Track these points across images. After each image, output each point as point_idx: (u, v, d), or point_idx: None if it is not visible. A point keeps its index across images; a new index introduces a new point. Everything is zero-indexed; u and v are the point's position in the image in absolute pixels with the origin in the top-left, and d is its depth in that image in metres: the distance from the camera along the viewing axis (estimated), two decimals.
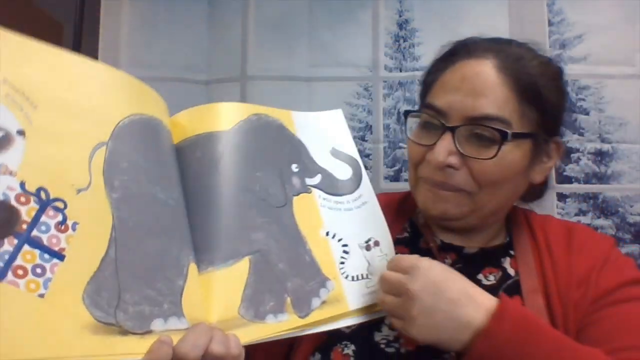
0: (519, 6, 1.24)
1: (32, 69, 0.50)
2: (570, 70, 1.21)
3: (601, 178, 1.19)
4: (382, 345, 0.66)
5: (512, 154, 0.66)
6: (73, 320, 0.46)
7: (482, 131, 0.65)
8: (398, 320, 0.59)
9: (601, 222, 1.18)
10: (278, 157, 0.66)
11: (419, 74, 1.27)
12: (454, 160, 0.65)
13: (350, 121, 1.25)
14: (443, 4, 1.26)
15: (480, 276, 0.71)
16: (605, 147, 1.19)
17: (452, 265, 0.73)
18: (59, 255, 0.47)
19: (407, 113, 0.74)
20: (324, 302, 0.61)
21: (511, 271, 0.71)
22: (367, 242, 0.67)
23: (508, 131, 0.65)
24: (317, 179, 0.67)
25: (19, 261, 0.45)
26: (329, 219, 0.66)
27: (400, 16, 1.28)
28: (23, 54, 0.49)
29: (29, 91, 0.48)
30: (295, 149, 0.68)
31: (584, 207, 1.18)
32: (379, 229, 0.69)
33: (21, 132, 0.47)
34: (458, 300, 0.56)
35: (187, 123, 0.64)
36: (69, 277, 0.47)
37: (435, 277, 0.57)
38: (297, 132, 0.69)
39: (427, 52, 1.24)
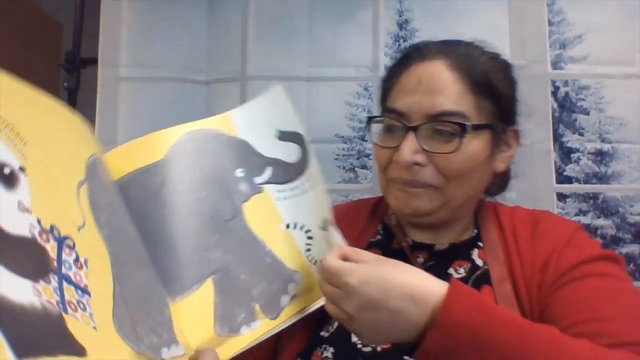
0: (519, 6, 1.24)
1: (16, 104, 0.47)
2: (570, 70, 1.21)
3: (601, 178, 1.19)
4: (359, 346, 0.67)
5: (473, 145, 0.70)
6: (124, 351, 0.47)
7: (442, 127, 0.69)
8: (338, 311, 0.57)
9: (601, 222, 1.18)
10: (219, 168, 0.65)
11: None
12: (419, 157, 0.69)
13: (350, 121, 1.25)
14: (443, 4, 1.26)
15: (451, 270, 0.73)
16: (605, 147, 1.19)
17: (425, 263, 0.75)
18: (87, 292, 0.46)
19: (370, 119, 0.78)
20: (294, 296, 0.63)
21: (479, 262, 0.73)
22: (323, 222, 0.69)
23: (467, 124, 0.69)
24: (267, 174, 0.68)
25: (66, 297, 0.44)
26: (288, 210, 0.67)
27: (400, 16, 1.28)
28: (7, 89, 0.47)
29: (17, 126, 0.46)
30: (238, 152, 0.67)
31: (584, 207, 1.18)
32: (328, 205, 0.71)
33: (22, 169, 0.45)
34: (401, 308, 0.54)
35: (120, 161, 0.62)
36: (100, 311, 0.46)
37: (371, 295, 0.54)
38: (239, 132, 0.69)
39: None
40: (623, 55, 1.20)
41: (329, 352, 0.67)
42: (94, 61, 1.30)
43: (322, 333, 0.70)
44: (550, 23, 1.23)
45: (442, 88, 0.70)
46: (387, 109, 0.75)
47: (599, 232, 1.17)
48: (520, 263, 0.70)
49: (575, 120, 1.20)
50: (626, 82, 1.19)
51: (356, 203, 0.92)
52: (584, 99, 1.20)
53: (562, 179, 1.19)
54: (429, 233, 0.77)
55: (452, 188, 0.71)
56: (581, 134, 1.20)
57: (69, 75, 1.36)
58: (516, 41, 1.22)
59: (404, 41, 1.27)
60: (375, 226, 0.82)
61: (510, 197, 1.18)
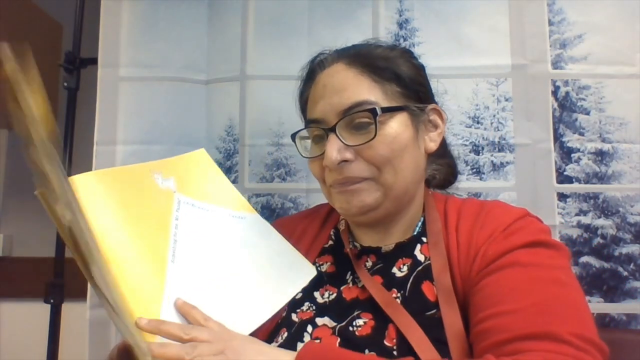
0: (519, 6, 1.23)
1: None
2: (571, 70, 1.21)
3: (601, 178, 1.19)
4: None
5: (392, 128, 0.72)
6: None
7: (357, 119, 0.72)
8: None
9: (601, 221, 1.18)
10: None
11: None
12: (346, 154, 0.71)
13: None
14: (443, 4, 1.26)
15: (395, 269, 0.74)
16: (606, 147, 1.19)
17: (373, 265, 0.77)
18: None
19: (293, 136, 0.81)
20: None
21: (421, 257, 0.74)
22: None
23: (376, 107, 0.71)
24: None
25: None
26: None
27: (400, 16, 1.28)
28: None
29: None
30: None
31: (584, 207, 1.18)
32: None
33: None
34: None
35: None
36: None
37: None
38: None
39: (427, 52, 1.24)
40: (623, 55, 1.20)
41: None
42: (94, 61, 1.30)
43: (273, 343, 0.71)
44: (550, 23, 1.22)
45: (346, 85, 0.73)
46: (307, 122, 0.78)
47: (599, 232, 1.17)
48: (457, 254, 0.70)
49: (576, 120, 1.20)
50: (626, 82, 1.19)
51: (313, 209, 0.95)
52: (584, 99, 1.20)
53: (562, 178, 1.19)
54: (378, 233, 0.79)
55: (387, 176, 0.72)
56: (581, 134, 1.20)
57: (69, 75, 1.36)
58: (516, 41, 1.22)
59: (404, 41, 1.27)
60: (327, 232, 0.85)
61: (511, 197, 1.18)
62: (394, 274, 0.74)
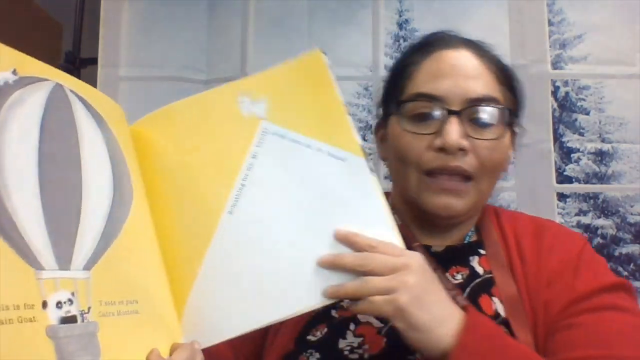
0: (519, 6, 1.24)
1: None
2: (570, 70, 1.21)
3: (601, 178, 1.19)
4: (346, 352, 0.64)
5: (505, 137, 0.69)
6: None
7: (481, 114, 0.66)
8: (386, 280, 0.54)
9: (601, 222, 1.18)
10: None
11: None
12: (465, 143, 0.65)
13: None
14: (443, 4, 1.26)
15: (448, 276, 0.69)
16: (606, 147, 1.19)
17: None
18: None
19: (400, 103, 0.69)
20: None
21: (479, 269, 0.69)
22: None
23: (507, 109, 0.68)
24: None
25: None
26: None
27: (400, 16, 1.28)
28: None
29: None
30: None
31: (584, 207, 1.18)
32: None
33: None
34: (444, 299, 0.56)
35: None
36: None
37: (427, 278, 0.56)
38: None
39: None
40: (623, 55, 1.20)
41: (314, 357, 0.65)
42: (94, 61, 1.30)
43: (309, 337, 0.67)
44: (550, 23, 1.23)
45: (477, 74, 0.68)
46: (414, 95, 0.68)
47: (599, 232, 1.17)
48: (524, 277, 0.66)
49: (575, 120, 1.20)
50: (626, 82, 1.19)
51: None
52: (584, 99, 1.20)
53: (562, 178, 1.19)
54: (431, 232, 0.73)
55: (485, 183, 0.68)
56: (581, 134, 1.20)
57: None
58: (516, 41, 1.22)
59: (404, 41, 1.27)
60: None
61: (511, 197, 1.19)
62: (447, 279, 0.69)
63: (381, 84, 0.77)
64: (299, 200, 0.59)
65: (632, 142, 1.18)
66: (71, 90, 0.52)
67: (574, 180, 1.19)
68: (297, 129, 0.61)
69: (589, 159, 1.20)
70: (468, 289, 0.66)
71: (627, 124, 1.19)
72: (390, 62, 1.27)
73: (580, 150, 1.20)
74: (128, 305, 0.50)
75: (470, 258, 0.71)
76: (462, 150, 0.65)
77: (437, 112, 0.66)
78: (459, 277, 0.69)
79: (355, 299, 0.54)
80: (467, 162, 0.66)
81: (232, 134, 0.61)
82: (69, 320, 0.43)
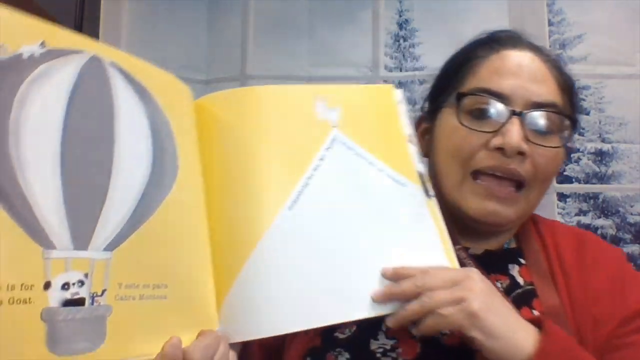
0: (519, 6, 1.24)
1: None
2: (570, 70, 1.21)
3: (601, 178, 1.19)
4: (379, 355, 0.61)
5: (561, 150, 0.65)
6: None
7: (544, 120, 0.62)
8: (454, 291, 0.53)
9: (601, 222, 1.18)
10: None
11: (419, 74, 1.28)
12: (525, 146, 0.61)
13: None
14: (443, 4, 1.26)
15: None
16: (606, 147, 1.19)
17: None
18: None
19: (460, 95, 0.65)
20: None
21: (520, 280, 0.65)
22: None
23: (572, 118, 0.65)
24: None
25: None
26: None
27: (400, 16, 1.28)
28: None
29: None
30: None
31: (584, 207, 1.18)
32: None
33: None
34: (513, 311, 0.55)
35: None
36: None
37: (492, 288, 0.55)
38: None
39: (427, 52, 1.24)
40: (623, 55, 1.20)
41: (343, 357, 0.61)
42: None
43: (337, 334, 0.63)
44: (550, 23, 1.23)
45: (543, 79, 0.64)
46: (476, 90, 0.64)
47: (599, 232, 1.17)
48: (567, 291, 0.63)
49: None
50: (626, 82, 1.19)
51: None
52: (584, 99, 1.20)
53: (562, 178, 1.19)
54: (470, 234, 0.68)
55: (535, 192, 0.64)
56: (581, 134, 1.20)
57: None
58: None
59: (404, 41, 1.27)
60: None
61: None
62: None
63: (434, 75, 0.74)
64: (356, 212, 0.59)
65: (632, 142, 1.18)
66: (112, 63, 0.50)
67: (574, 180, 1.19)
68: (363, 145, 0.62)
69: (589, 159, 1.20)
70: (509, 300, 0.61)
71: (627, 124, 1.19)
72: (390, 62, 1.27)
73: (580, 150, 1.20)
74: (155, 289, 0.47)
75: (510, 266, 0.67)
76: (521, 154, 0.61)
77: (499, 111, 0.62)
78: (499, 286, 0.65)
79: (421, 317, 0.53)
80: (523, 167, 0.62)
81: (305, 132, 0.61)
82: (74, 302, 0.42)
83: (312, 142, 0.60)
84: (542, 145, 0.62)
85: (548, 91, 0.64)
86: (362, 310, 0.55)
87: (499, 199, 0.62)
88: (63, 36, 0.46)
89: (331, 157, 0.61)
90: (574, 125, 0.67)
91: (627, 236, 1.17)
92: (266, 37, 1.31)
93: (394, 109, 0.67)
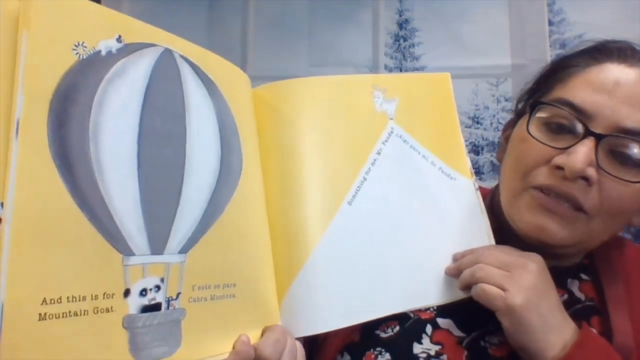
0: (519, 6, 1.24)
1: None
2: None
3: None
4: (422, 359, 0.58)
5: None
6: None
7: (630, 149, 0.54)
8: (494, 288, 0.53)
9: None
10: None
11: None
12: (591, 172, 0.54)
13: None
14: (443, 4, 1.26)
15: None
16: None
17: None
18: None
19: (536, 104, 0.60)
20: None
21: (580, 295, 0.62)
22: None
23: None
24: None
25: None
26: None
27: (400, 16, 1.28)
28: None
29: None
30: None
31: None
32: None
33: None
34: (558, 304, 0.54)
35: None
36: None
37: (542, 281, 0.54)
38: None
39: (427, 52, 1.24)
40: None
41: (384, 357, 0.59)
42: None
43: (378, 332, 0.60)
44: (550, 23, 1.22)
45: None
46: (560, 101, 0.58)
47: None
48: (631, 310, 0.59)
49: None
50: None
51: None
52: None
53: None
54: (528, 246, 0.62)
55: (599, 225, 0.56)
56: None
57: None
58: (516, 41, 1.22)
59: (404, 41, 1.27)
60: None
61: None
62: None
63: (530, 78, 0.69)
64: (411, 205, 0.60)
65: None
66: (181, 55, 0.49)
67: None
68: (417, 138, 0.63)
69: None
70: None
71: None
72: (390, 62, 1.27)
73: None
74: (225, 289, 0.47)
75: (570, 281, 0.63)
76: (584, 179, 0.54)
77: (576, 128, 0.56)
78: None
79: (470, 284, 0.55)
80: (586, 196, 0.55)
81: (364, 124, 0.60)
82: (151, 308, 0.41)
83: (370, 135, 0.60)
84: (615, 177, 0.54)
85: None
86: (419, 300, 0.58)
87: (553, 214, 0.56)
88: (137, 28, 0.45)
89: (388, 150, 0.61)
90: None
91: (627, 236, 1.16)
92: (266, 37, 1.31)
93: (450, 99, 0.66)
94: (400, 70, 1.27)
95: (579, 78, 0.59)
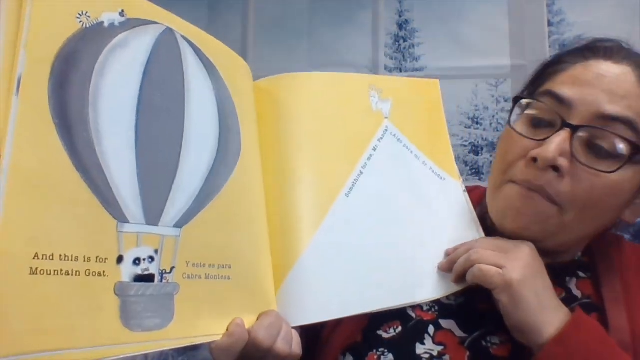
0: (519, 6, 1.24)
1: None
2: None
3: None
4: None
5: (628, 180, 0.56)
6: None
7: (604, 141, 0.54)
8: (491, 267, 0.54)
9: None
10: None
11: (419, 74, 1.29)
12: (563, 162, 0.54)
13: None
14: (443, 4, 1.26)
15: None
16: None
17: None
18: None
19: (517, 99, 0.61)
20: None
21: (577, 293, 0.62)
22: None
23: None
24: None
25: None
26: None
27: (400, 16, 1.28)
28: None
29: None
30: None
31: None
32: None
33: None
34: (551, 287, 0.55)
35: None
36: None
37: (537, 263, 0.56)
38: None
39: (427, 52, 1.24)
40: None
41: (387, 358, 0.58)
42: None
43: (380, 332, 0.60)
44: (550, 23, 1.23)
45: (626, 93, 0.55)
46: (543, 93, 0.59)
47: None
48: (626, 307, 0.59)
49: None
50: None
51: None
52: None
53: None
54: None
55: (574, 219, 0.57)
56: None
57: None
58: (515, 42, 1.22)
59: (404, 41, 1.27)
60: None
61: None
62: None
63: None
64: (404, 201, 0.62)
65: None
66: (183, 36, 0.49)
67: None
68: (410, 138, 0.65)
69: None
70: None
71: None
72: (390, 62, 1.27)
73: None
74: (220, 269, 0.47)
75: (568, 279, 0.63)
76: (555, 169, 0.54)
77: (551, 122, 0.57)
78: None
79: (466, 269, 0.56)
80: (556, 188, 0.55)
81: (360, 121, 0.62)
82: (144, 279, 0.41)
83: (367, 132, 0.62)
84: (588, 167, 0.54)
85: (625, 107, 0.54)
86: (412, 295, 0.58)
87: (527, 207, 0.57)
88: (140, 6, 0.45)
89: (383, 147, 0.63)
90: None
91: (627, 236, 1.17)
92: (266, 37, 1.31)
93: (439, 104, 0.69)
94: (400, 71, 1.27)
95: (565, 74, 0.59)
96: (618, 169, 0.54)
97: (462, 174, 1.15)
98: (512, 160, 0.59)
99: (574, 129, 0.54)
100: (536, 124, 0.58)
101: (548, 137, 0.55)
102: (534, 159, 0.55)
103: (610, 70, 0.57)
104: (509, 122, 0.61)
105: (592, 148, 0.55)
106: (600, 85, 0.56)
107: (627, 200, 0.59)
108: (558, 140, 0.54)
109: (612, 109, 0.54)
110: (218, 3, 1.34)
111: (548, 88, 0.59)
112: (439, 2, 1.26)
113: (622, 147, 0.54)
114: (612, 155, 0.54)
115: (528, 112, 0.60)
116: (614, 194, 0.56)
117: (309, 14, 1.30)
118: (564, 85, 0.58)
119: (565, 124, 0.55)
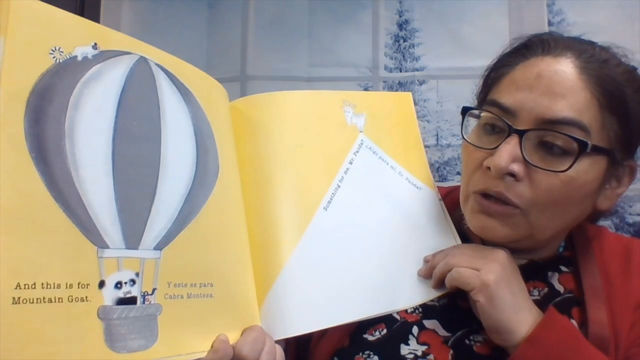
0: (519, 6, 1.24)
1: None
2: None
3: None
4: None
5: (585, 171, 0.56)
6: None
7: (554, 139, 0.56)
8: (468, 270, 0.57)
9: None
10: None
11: (419, 74, 1.29)
12: (517, 168, 0.55)
13: None
14: (443, 4, 1.26)
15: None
16: None
17: None
18: None
19: (465, 110, 0.63)
20: None
21: (560, 288, 0.63)
22: None
23: (587, 142, 0.55)
24: None
25: None
26: None
27: (400, 16, 1.28)
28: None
29: None
30: None
31: None
32: None
33: None
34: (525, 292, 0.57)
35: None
36: None
37: (509, 271, 0.58)
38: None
39: (427, 52, 1.24)
40: None
41: None
42: None
43: (366, 336, 0.61)
44: (550, 23, 1.23)
45: (566, 91, 0.56)
46: (489, 102, 0.60)
47: None
48: (608, 300, 0.60)
49: None
50: None
51: None
52: None
53: None
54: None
55: (542, 218, 0.58)
56: None
57: None
58: None
59: (404, 41, 1.27)
60: None
61: None
62: None
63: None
64: (382, 212, 0.64)
65: None
66: (157, 64, 0.50)
67: None
68: (385, 150, 0.67)
69: None
70: (543, 308, 0.58)
71: None
72: (390, 62, 1.27)
73: None
74: (202, 288, 0.48)
75: (550, 274, 0.64)
76: (511, 176, 0.56)
77: (501, 128, 0.58)
78: (535, 293, 0.63)
79: (445, 274, 0.58)
80: (514, 191, 0.56)
81: (335, 136, 0.64)
82: (127, 301, 0.42)
83: (342, 146, 0.64)
84: (542, 169, 0.55)
85: (568, 106, 0.55)
86: (392, 303, 0.60)
87: (491, 215, 0.59)
88: (113, 38, 0.47)
89: (359, 160, 0.64)
90: (627, 146, 0.59)
91: (627, 235, 1.17)
92: (266, 37, 1.31)
93: (412, 117, 0.72)
94: (400, 71, 1.27)
95: (507, 79, 0.61)
96: (571, 165, 0.55)
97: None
98: (471, 170, 0.61)
99: (521, 134, 0.56)
100: (488, 131, 0.60)
101: (498, 145, 0.57)
102: (489, 168, 0.57)
103: (549, 67, 0.58)
104: (461, 133, 0.63)
105: (544, 148, 0.56)
106: (539, 88, 0.57)
107: (595, 189, 0.60)
108: (508, 148, 0.56)
109: (552, 113, 0.55)
110: (218, 3, 1.34)
111: (492, 97, 0.61)
112: (439, 2, 1.26)
113: (568, 145, 0.55)
114: (565, 152, 0.55)
115: (480, 120, 0.62)
116: (575, 189, 0.57)
117: (309, 14, 1.30)
118: (505, 93, 0.59)
119: (512, 130, 0.56)
